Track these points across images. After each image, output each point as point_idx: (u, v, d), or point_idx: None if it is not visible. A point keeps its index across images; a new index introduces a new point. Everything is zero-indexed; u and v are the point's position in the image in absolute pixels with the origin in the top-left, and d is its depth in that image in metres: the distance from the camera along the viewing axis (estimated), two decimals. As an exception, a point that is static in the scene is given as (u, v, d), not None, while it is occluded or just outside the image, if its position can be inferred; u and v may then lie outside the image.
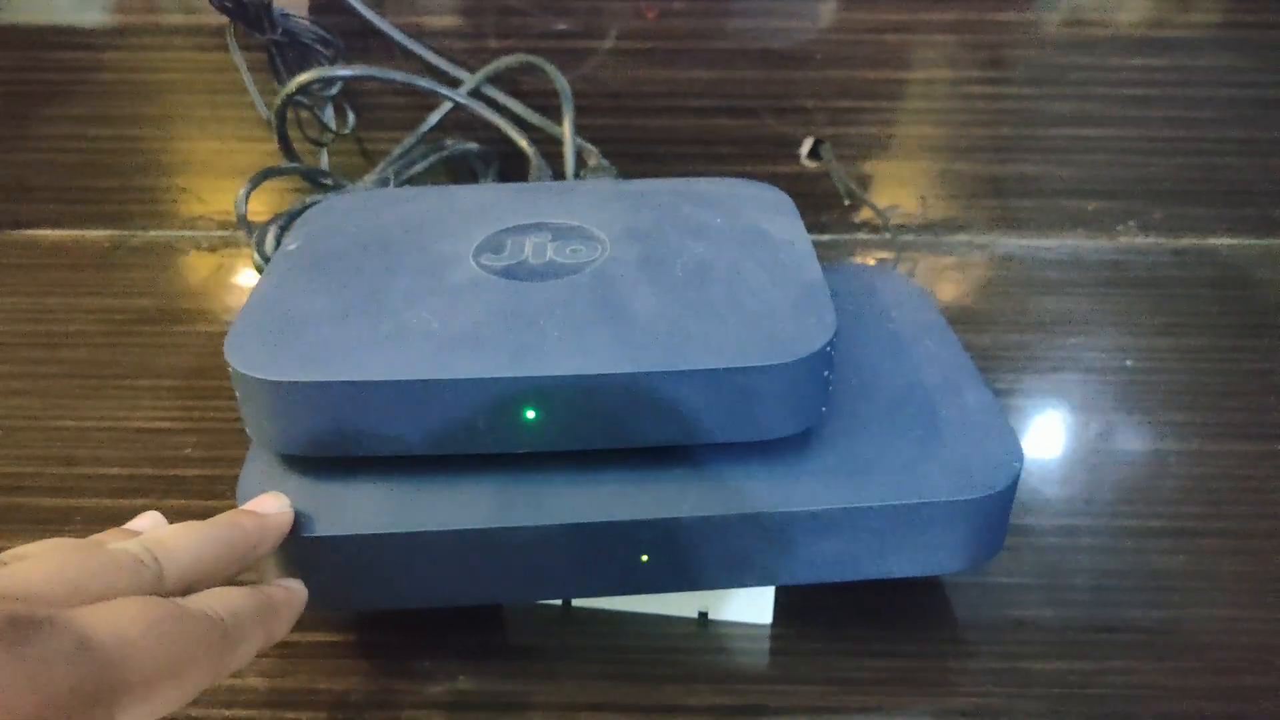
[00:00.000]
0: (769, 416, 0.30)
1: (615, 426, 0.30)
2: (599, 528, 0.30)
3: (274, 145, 0.51)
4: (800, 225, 0.37)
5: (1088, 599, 0.36)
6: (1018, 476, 0.32)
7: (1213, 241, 0.60)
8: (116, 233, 0.61)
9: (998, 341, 0.51)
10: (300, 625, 0.34)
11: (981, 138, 0.58)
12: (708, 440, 0.30)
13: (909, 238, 0.60)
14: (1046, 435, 0.44)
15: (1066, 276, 0.57)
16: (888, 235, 0.57)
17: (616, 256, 0.34)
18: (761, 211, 0.38)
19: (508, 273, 0.33)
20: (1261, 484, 0.42)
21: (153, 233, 0.61)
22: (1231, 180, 0.59)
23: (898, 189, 0.59)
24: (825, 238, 0.60)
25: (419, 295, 0.32)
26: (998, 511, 0.32)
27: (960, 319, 0.53)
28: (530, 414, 0.29)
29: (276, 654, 0.34)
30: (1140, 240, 0.60)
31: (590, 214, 0.37)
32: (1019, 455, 0.32)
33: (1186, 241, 0.60)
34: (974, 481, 0.31)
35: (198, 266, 0.58)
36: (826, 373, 0.31)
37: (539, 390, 0.29)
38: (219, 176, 0.60)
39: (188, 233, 0.61)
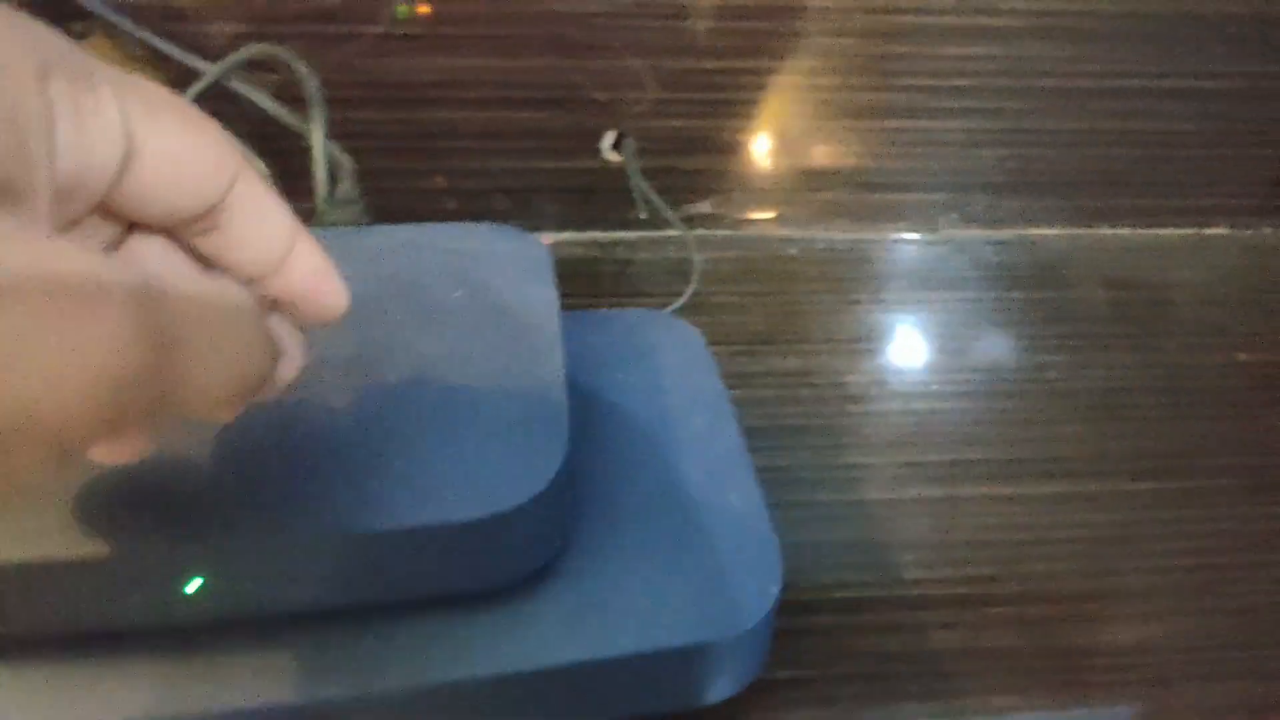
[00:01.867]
0: (488, 568, 0.27)
1: (302, 589, 0.26)
2: (288, 710, 0.26)
3: None
4: (553, 294, 0.33)
5: (859, 692, 0.34)
6: (775, 605, 0.29)
7: (1034, 232, 0.58)
8: None
9: (804, 364, 0.48)
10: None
11: (795, 130, 0.54)
12: (418, 597, 0.27)
13: (722, 233, 0.56)
14: (837, 484, 0.42)
15: (883, 271, 0.55)
16: (687, 233, 0.54)
17: (325, 359, 0.29)
18: (510, 278, 0.33)
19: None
20: (1048, 533, 0.41)
21: None
22: (1051, 171, 0.56)
23: (705, 184, 0.55)
24: (632, 235, 0.56)
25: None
26: (754, 641, 0.29)
27: (764, 338, 0.50)
28: (190, 587, 0.25)
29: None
30: (961, 233, 0.58)
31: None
32: (778, 579, 0.30)
33: (1007, 233, 0.58)
34: (726, 619, 0.28)
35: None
36: (555, 512, 0.27)
37: (194, 560, 0.25)
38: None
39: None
